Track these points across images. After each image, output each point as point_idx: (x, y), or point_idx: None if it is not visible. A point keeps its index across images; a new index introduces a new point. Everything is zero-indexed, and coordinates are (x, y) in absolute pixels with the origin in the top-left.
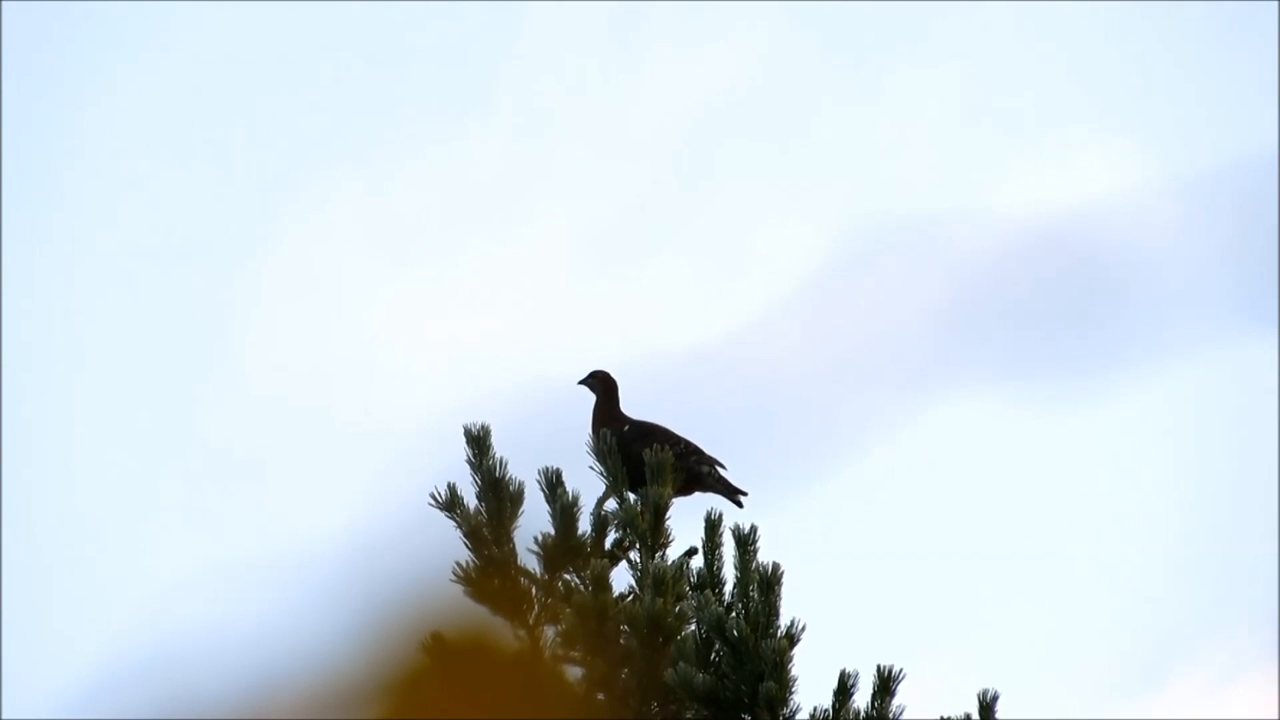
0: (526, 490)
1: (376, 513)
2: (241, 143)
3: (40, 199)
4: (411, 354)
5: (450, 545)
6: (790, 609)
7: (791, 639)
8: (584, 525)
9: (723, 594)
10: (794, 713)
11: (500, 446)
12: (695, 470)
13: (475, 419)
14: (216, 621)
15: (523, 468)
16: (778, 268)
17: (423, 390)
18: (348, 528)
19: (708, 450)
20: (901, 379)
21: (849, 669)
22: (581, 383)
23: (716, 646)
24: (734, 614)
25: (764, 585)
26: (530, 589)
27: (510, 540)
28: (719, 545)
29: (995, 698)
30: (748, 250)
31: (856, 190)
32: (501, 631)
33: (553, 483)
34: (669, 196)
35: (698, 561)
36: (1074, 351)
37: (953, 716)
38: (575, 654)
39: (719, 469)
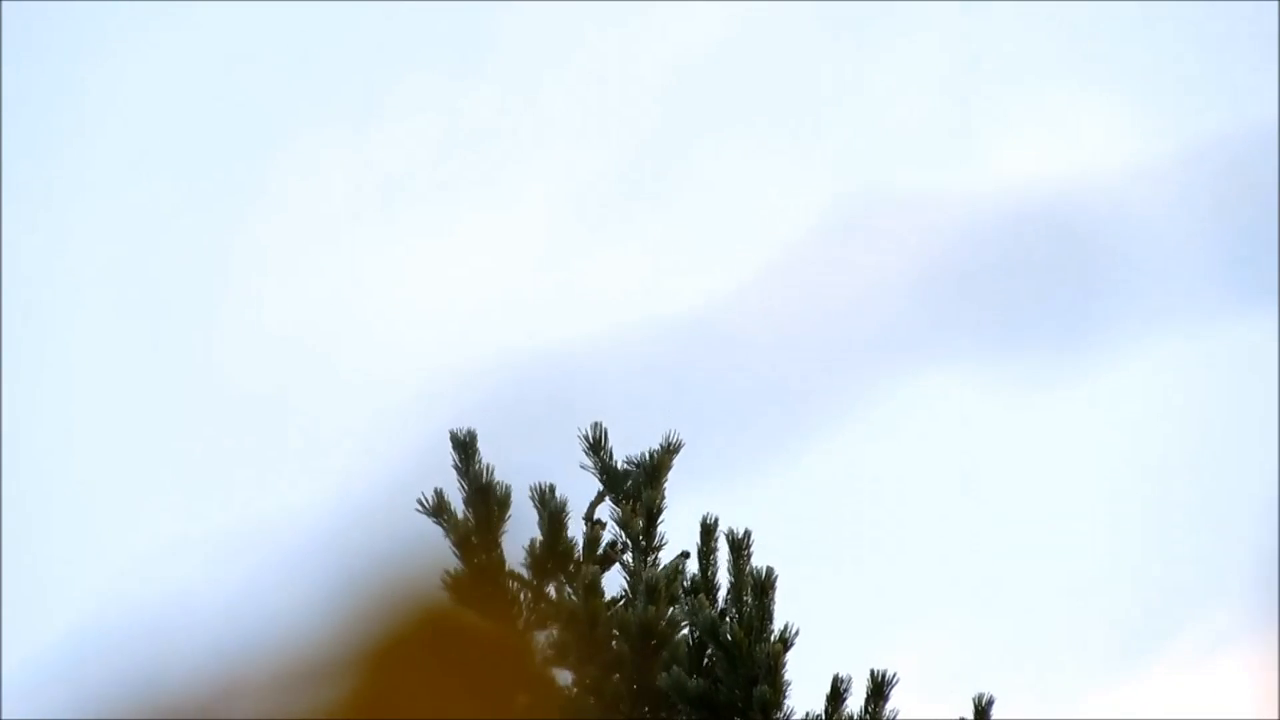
0: (514, 493)
1: (357, 484)
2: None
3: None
4: (392, 321)
5: (425, 523)
6: (784, 612)
7: (785, 643)
8: (574, 529)
9: (717, 598)
10: (788, 717)
11: (485, 430)
12: None
13: (459, 389)
14: (190, 593)
15: (511, 455)
16: (757, 238)
17: (405, 360)
18: (327, 498)
19: None
20: (884, 354)
21: (842, 673)
22: None
23: (709, 651)
24: (727, 618)
25: (758, 589)
26: (520, 594)
27: (499, 546)
28: (713, 549)
29: (991, 702)
30: (727, 220)
31: (838, 158)
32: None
33: (543, 493)
34: (647, 164)
35: (692, 565)
36: (1063, 325)
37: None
38: (566, 659)
39: None
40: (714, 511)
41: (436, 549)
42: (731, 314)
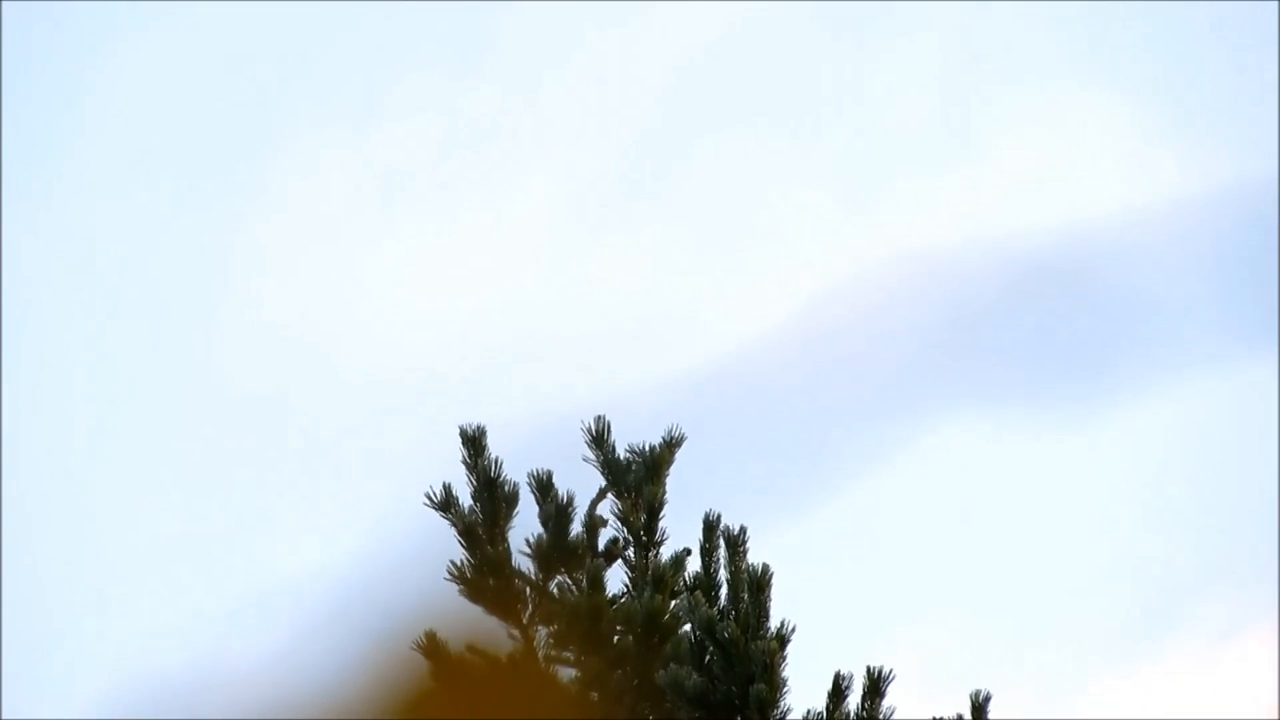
0: (521, 489)
1: (380, 543)
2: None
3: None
4: (392, 321)
5: (448, 564)
6: (780, 611)
7: (781, 640)
8: (577, 525)
9: (717, 595)
10: (784, 714)
11: (493, 440)
12: None
13: (470, 418)
14: (212, 656)
15: (515, 460)
16: (757, 240)
17: (406, 360)
18: (351, 556)
19: None
20: (894, 403)
21: (843, 670)
22: None
23: (710, 648)
24: (724, 616)
25: (754, 587)
26: (524, 589)
27: (505, 540)
28: (716, 546)
29: (988, 699)
30: (727, 221)
31: (838, 158)
32: (495, 633)
33: (543, 484)
34: (647, 164)
35: (694, 563)
36: (1071, 375)
37: (945, 717)
38: (569, 654)
39: None
40: (717, 509)
41: (456, 612)
42: (746, 367)
